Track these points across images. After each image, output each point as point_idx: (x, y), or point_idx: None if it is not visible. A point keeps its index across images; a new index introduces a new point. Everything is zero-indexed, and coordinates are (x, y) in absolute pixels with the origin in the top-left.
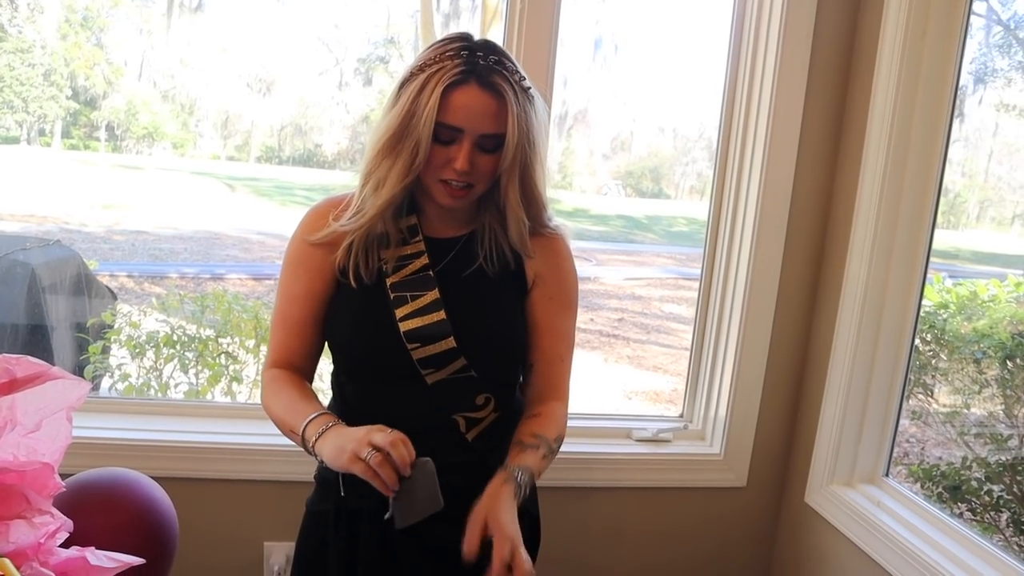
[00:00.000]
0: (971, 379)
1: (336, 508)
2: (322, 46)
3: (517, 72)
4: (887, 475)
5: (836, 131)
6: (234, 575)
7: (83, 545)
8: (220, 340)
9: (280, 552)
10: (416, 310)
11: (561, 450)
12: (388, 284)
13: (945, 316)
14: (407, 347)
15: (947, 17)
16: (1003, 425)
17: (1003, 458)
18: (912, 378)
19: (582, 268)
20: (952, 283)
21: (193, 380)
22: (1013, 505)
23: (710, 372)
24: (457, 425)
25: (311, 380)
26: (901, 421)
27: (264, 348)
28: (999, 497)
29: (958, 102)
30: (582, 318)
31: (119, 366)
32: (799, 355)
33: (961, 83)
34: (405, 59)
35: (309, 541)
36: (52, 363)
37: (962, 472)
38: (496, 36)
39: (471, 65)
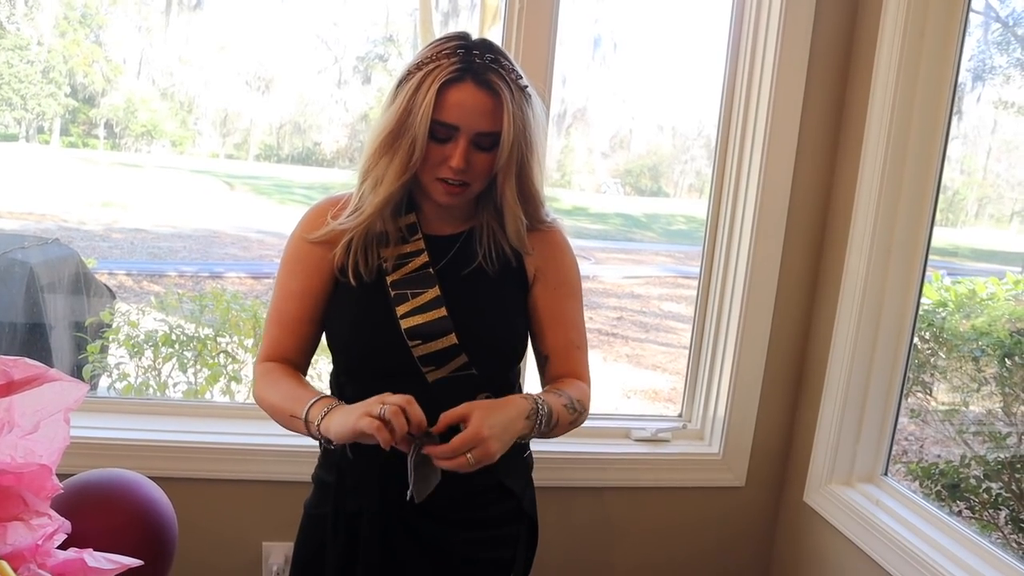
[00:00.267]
0: (970, 377)
1: (335, 511)
2: (321, 44)
3: (514, 70)
4: (886, 474)
5: (835, 129)
6: (233, 575)
7: (82, 546)
8: (219, 339)
9: (279, 552)
10: (417, 307)
11: (560, 450)
12: (388, 282)
13: (944, 314)
14: (408, 344)
15: (946, 14)
16: (1001, 423)
17: (1002, 456)
18: (911, 376)
19: (581, 267)
20: (951, 281)
21: (192, 379)
22: (1012, 503)
23: (709, 371)
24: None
25: (305, 376)
26: (900, 419)
27: None
28: (998, 495)
29: (956, 99)
30: None
31: (117, 365)
32: (798, 354)
33: (960, 80)
34: (404, 57)
35: (308, 543)
36: (50, 362)
37: (961, 470)
38: (495, 35)
39: (467, 63)
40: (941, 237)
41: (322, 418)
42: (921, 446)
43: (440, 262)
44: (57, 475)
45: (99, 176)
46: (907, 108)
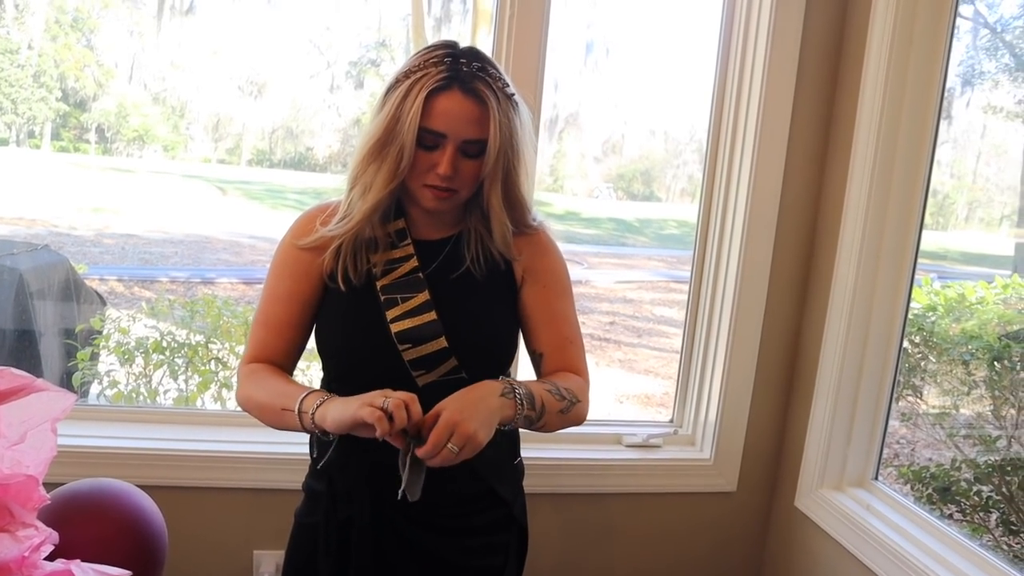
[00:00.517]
0: (960, 381)
1: (326, 519)
2: (313, 49)
3: (501, 79)
4: (876, 478)
5: (824, 134)
6: None
7: (70, 557)
8: (210, 346)
9: (270, 560)
10: (407, 311)
11: (552, 456)
12: (378, 287)
13: (934, 318)
14: (398, 348)
15: (933, 20)
16: (992, 426)
17: (992, 459)
18: (902, 380)
19: (573, 271)
20: (940, 285)
21: (183, 386)
22: (1002, 505)
23: (700, 377)
24: None
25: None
26: (892, 423)
27: None
28: (988, 498)
29: (946, 104)
30: None
31: (108, 372)
32: (788, 359)
33: (949, 85)
34: (397, 62)
35: (299, 551)
36: (40, 370)
37: (952, 473)
38: (486, 40)
39: (454, 72)
40: (931, 241)
41: (317, 407)
42: (912, 449)
43: (429, 266)
44: (46, 484)
45: (90, 181)
46: (895, 113)
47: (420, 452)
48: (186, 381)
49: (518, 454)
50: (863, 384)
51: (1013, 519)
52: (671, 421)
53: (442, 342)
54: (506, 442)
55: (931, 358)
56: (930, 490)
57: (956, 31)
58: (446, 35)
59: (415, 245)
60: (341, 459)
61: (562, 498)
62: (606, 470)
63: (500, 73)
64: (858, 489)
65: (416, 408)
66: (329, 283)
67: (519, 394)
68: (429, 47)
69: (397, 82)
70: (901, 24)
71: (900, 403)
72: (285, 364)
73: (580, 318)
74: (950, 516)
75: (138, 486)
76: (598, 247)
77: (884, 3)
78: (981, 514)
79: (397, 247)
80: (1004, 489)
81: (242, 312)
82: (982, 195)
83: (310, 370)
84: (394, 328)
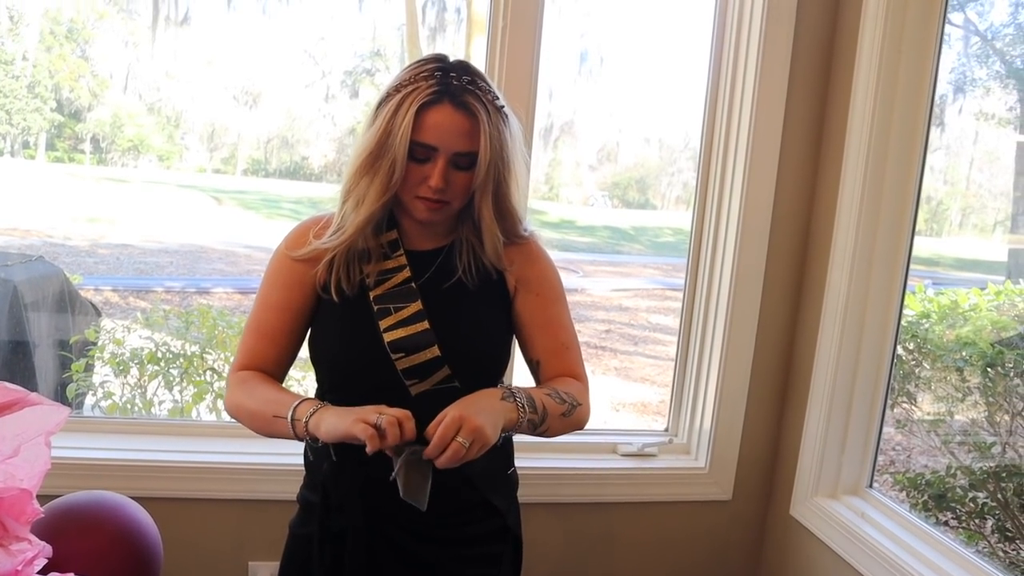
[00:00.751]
0: (954, 387)
1: (320, 530)
2: (308, 59)
3: (491, 91)
4: (871, 486)
5: (816, 142)
6: None
7: (65, 570)
8: (205, 356)
9: (264, 572)
10: (400, 321)
11: (547, 466)
12: (371, 297)
13: (927, 325)
14: (391, 357)
15: (923, 29)
16: (986, 433)
17: (987, 465)
18: (896, 387)
19: (568, 280)
20: (933, 292)
21: (178, 397)
22: (997, 512)
23: (694, 385)
24: None
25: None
26: (888, 430)
27: None
28: (983, 504)
29: (939, 111)
30: None
31: (102, 384)
32: (782, 366)
33: (941, 92)
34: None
35: (293, 562)
36: (34, 381)
37: (947, 480)
38: (480, 49)
39: (444, 85)
40: (926, 247)
41: (310, 416)
42: (908, 456)
43: (422, 277)
44: (41, 497)
45: (85, 191)
46: (886, 121)
47: (428, 450)
48: (181, 392)
49: (512, 464)
50: (857, 391)
51: (1008, 526)
52: (666, 430)
53: (435, 351)
54: (500, 452)
55: (925, 365)
56: (925, 497)
57: (947, 38)
58: (441, 45)
59: (408, 255)
60: (335, 471)
61: (557, 507)
62: (601, 479)
63: (490, 86)
64: (853, 497)
65: (410, 426)
66: (322, 294)
67: (519, 398)
68: (420, 61)
69: (388, 96)
70: (891, 32)
71: (895, 410)
72: (276, 372)
73: (576, 327)
74: (946, 523)
75: (133, 498)
76: (594, 255)
77: (874, 12)
78: (976, 521)
79: (390, 258)
80: (999, 496)
81: (237, 322)
82: (975, 201)
83: (305, 380)
84: (387, 337)
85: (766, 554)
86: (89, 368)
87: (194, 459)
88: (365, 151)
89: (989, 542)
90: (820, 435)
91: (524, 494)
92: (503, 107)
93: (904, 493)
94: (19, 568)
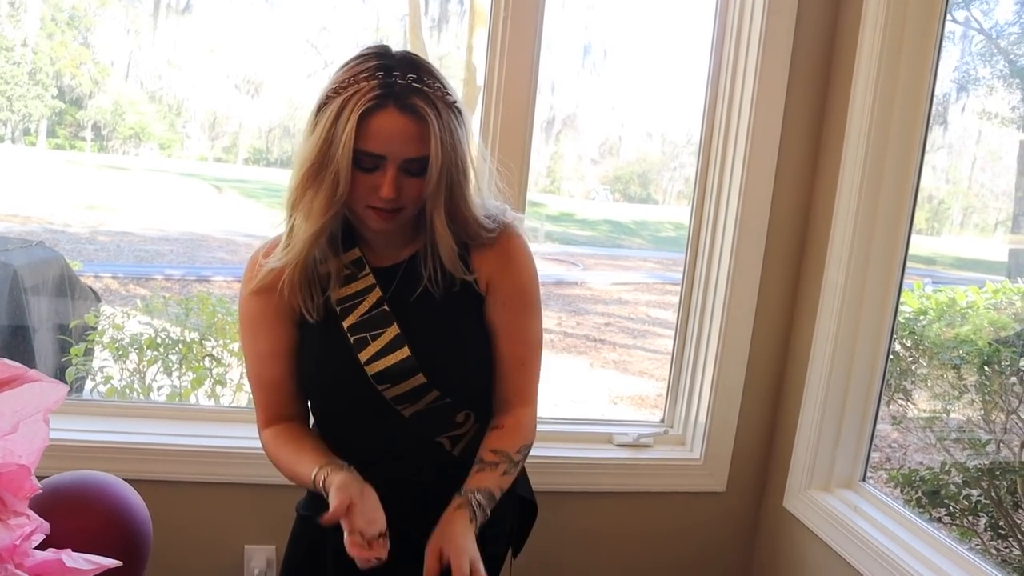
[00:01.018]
0: (950, 385)
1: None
2: (311, 49)
3: (439, 87)
4: (864, 480)
5: (815, 139)
6: None
7: (54, 548)
8: (204, 343)
9: (261, 556)
10: (379, 351)
11: (542, 455)
12: (345, 328)
13: (925, 322)
14: (378, 389)
15: (923, 27)
16: (982, 431)
17: (981, 463)
18: (893, 384)
19: (569, 273)
20: (932, 289)
21: (176, 383)
22: (991, 509)
23: (691, 377)
24: (443, 445)
25: (308, 419)
26: (884, 427)
27: None
28: (977, 501)
29: (942, 110)
30: (568, 323)
31: (101, 368)
32: (778, 360)
33: (945, 91)
34: None
35: (299, 544)
36: (33, 365)
37: (941, 477)
38: (482, 41)
39: (388, 87)
40: (926, 246)
41: (323, 483)
42: (904, 453)
43: (389, 292)
44: (37, 476)
45: (86, 178)
46: (886, 118)
47: None
48: (180, 378)
49: None
50: (851, 386)
51: (1001, 523)
52: (662, 421)
53: (420, 378)
54: None
55: (922, 362)
56: (920, 493)
57: (951, 37)
58: (444, 36)
59: (375, 274)
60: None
61: (552, 496)
62: (596, 469)
63: (437, 80)
64: (846, 490)
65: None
66: (299, 318)
67: (483, 510)
68: (359, 57)
69: (327, 99)
70: (891, 29)
71: (891, 407)
72: (299, 411)
73: (575, 319)
74: (939, 519)
75: (131, 480)
76: (594, 249)
77: (874, 8)
78: (970, 518)
79: (356, 278)
80: (993, 493)
81: (236, 309)
82: (977, 201)
83: None
84: (370, 371)
85: (759, 546)
86: (88, 353)
87: (192, 443)
88: (307, 162)
89: (982, 539)
90: (814, 429)
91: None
92: (455, 102)
93: (899, 489)
94: (17, 543)
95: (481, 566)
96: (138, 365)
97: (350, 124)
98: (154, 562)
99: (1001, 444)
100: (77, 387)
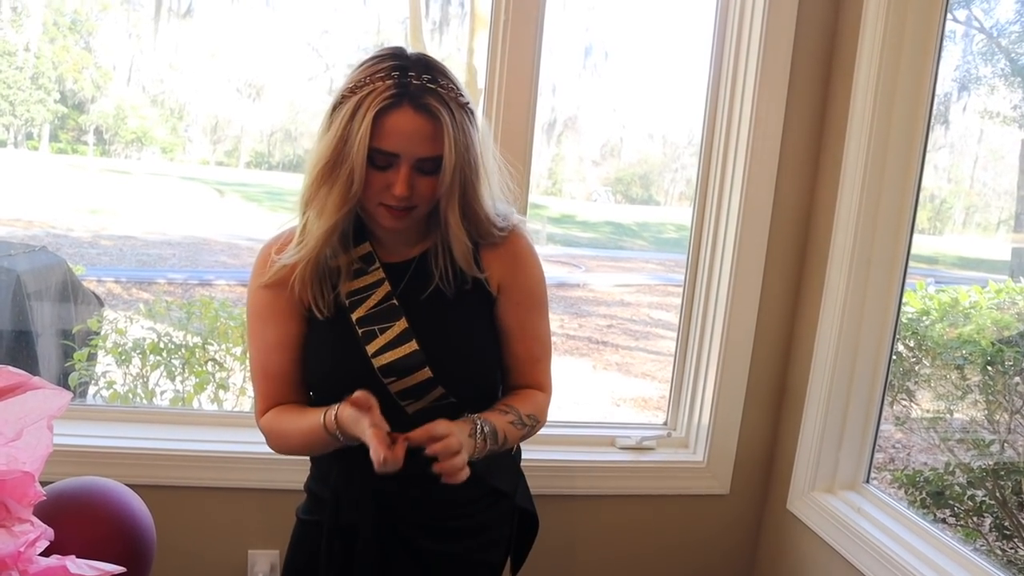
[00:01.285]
0: (954, 385)
1: (329, 524)
2: (312, 52)
3: (453, 88)
4: (868, 481)
5: (816, 140)
6: None
7: (58, 554)
8: (207, 347)
9: (264, 560)
10: (387, 343)
11: (545, 458)
12: (354, 320)
13: (927, 322)
14: (384, 382)
15: (924, 27)
16: (985, 431)
17: (985, 463)
18: (896, 384)
19: (571, 275)
20: (935, 289)
21: (179, 387)
22: (995, 510)
23: (693, 379)
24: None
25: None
26: (887, 427)
27: None
28: (982, 502)
29: (943, 109)
30: (571, 325)
31: (104, 373)
32: (781, 362)
33: (946, 90)
34: None
35: (300, 549)
36: (37, 370)
37: (945, 477)
38: (483, 43)
39: (403, 87)
40: (928, 245)
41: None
42: (908, 454)
43: (399, 288)
44: (42, 483)
45: (88, 183)
46: (887, 119)
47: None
48: (183, 382)
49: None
50: (854, 388)
51: (1006, 524)
52: (665, 424)
53: (426, 372)
54: None
55: (925, 362)
56: (924, 494)
57: (952, 36)
58: (445, 39)
59: (385, 269)
60: (346, 472)
61: (555, 499)
62: (599, 472)
63: (452, 82)
64: (849, 492)
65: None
66: (306, 313)
67: (485, 432)
68: (375, 57)
69: (343, 98)
70: (892, 30)
71: (895, 407)
72: (299, 403)
73: (577, 321)
74: (944, 520)
75: (134, 486)
76: (596, 250)
77: (875, 9)
78: (974, 518)
79: (366, 273)
80: (997, 494)
81: (239, 314)
82: (979, 200)
83: None
84: (376, 363)
85: (762, 548)
86: (91, 357)
87: (195, 448)
88: (322, 159)
89: (987, 540)
90: (817, 430)
91: None
92: (468, 103)
93: (903, 490)
94: (22, 549)
95: (454, 441)
96: (141, 370)
97: (365, 122)
98: (158, 567)
99: (1005, 444)
100: (80, 392)
